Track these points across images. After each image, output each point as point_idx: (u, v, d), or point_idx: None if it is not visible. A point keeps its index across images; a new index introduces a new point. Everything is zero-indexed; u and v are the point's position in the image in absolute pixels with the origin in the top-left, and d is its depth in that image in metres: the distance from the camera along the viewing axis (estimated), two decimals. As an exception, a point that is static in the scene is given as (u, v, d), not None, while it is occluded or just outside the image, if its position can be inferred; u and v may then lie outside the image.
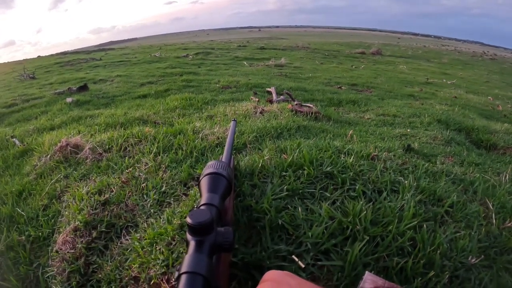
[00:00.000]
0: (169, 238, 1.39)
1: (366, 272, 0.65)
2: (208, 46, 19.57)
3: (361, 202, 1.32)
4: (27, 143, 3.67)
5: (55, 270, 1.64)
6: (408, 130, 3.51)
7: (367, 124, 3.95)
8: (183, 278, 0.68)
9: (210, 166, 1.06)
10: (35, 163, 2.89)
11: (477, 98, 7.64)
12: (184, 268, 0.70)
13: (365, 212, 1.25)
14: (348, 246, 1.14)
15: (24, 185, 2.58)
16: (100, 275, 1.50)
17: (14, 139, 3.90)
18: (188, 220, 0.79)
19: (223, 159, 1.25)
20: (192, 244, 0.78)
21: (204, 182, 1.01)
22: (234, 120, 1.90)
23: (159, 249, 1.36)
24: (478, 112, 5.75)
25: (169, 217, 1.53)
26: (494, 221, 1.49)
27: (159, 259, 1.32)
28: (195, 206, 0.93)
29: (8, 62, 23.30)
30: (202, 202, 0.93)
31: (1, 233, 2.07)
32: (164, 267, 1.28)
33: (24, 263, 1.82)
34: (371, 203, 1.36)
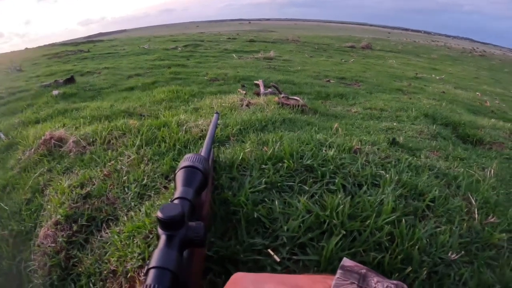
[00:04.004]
0: (147, 231, 1.36)
1: (344, 258, 0.63)
2: (198, 38, 19.40)
3: (339, 196, 1.28)
4: (12, 136, 3.63)
5: (37, 264, 1.64)
6: (395, 124, 3.50)
7: (354, 117, 3.94)
8: (151, 272, 0.68)
9: (186, 159, 1.02)
10: (19, 157, 2.86)
11: (465, 94, 7.70)
12: (152, 263, 0.69)
13: (342, 206, 1.22)
14: (324, 240, 1.11)
15: (7, 179, 2.58)
16: (80, 269, 1.49)
17: None
18: (159, 214, 0.77)
19: (202, 152, 1.22)
20: (162, 238, 0.76)
21: (179, 176, 0.98)
22: (216, 112, 1.87)
23: (136, 242, 1.34)
24: (466, 108, 5.78)
25: (148, 210, 1.51)
26: (476, 216, 1.48)
27: (135, 252, 1.30)
28: (170, 200, 0.90)
29: None
30: (176, 195, 0.90)
31: None
32: (141, 261, 1.26)
33: (7, 258, 1.84)
34: (350, 197, 1.33)
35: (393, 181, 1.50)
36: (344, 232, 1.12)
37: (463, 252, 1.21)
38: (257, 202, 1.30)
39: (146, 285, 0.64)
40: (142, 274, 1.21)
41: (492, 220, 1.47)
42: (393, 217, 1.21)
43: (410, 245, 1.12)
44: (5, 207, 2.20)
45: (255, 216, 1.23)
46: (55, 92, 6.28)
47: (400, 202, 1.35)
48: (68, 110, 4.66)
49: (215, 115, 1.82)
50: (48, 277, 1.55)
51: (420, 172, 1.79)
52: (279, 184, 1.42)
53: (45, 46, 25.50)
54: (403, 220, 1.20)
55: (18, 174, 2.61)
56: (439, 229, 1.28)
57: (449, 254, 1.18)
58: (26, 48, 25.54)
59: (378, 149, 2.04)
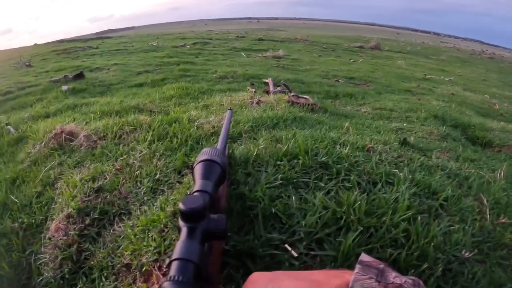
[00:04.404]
0: (162, 225, 1.38)
1: (363, 253, 0.64)
2: (206, 36, 19.38)
3: (356, 193, 1.30)
4: (21, 130, 3.64)
5: (48, 257, 1.63)
6: (405, 124, 3.51)
7: (364, 117, 3.94)
8: (174, 264, 0.68)
9: (204, 153, 1.03)
10: (29, 151, 2.87)
11: (474, 96, 7.64)
12: (175, 255, 0.69)
13: (359, 202, 1.24)
14: (341, 236, 1.13)
15: (18, 172, 2.56)
16: (92, 262, 1.49)
17: (9, 126, 3.87)
18: (181, 206, 0.77)
19: (218, 147, 1.23)
20: (184, 230, 0.76)
21: (198, 169, 0.98)
22: (230, 109, 1.88)
23: (152, 236, 1.35)
24: (475, 110, 5.76)
25: (162, 204, 1.52)
26: (488, 216, 1.49)
27: (151, 246, 1.31)
28: (188, 193, 0.91)
29: (4, 50, 23.05)
30: (195, 188, 0.91)
31: None
32: (156, 254, 1.27)
33: (17, 250, 1.81)
34: (366, 194, 1.34)
35: (407, 179, 1.52)
36: (361, 228, 1.14)
37: (476, 250, 1.23)
38: (274, 197, 1.32)
39: (170, 277, 0.65)
40: (161, 266, 1.23)
41: (503, 220, 1.49)
42: (409, 214, 1.23)
43: (426, 242, 1.14)
44: (16, 200, 2.19)
45: (272, 211, 1.25)
46: (64, 87, 6.35)
47: (415, 200, 1.37)
48: (77, 105, 4.71)
49: (228, 111, 1.83)
50: (59, 270, 1.56)
51: (433, 171, 1.81)
52: (294, 180, 1.44)
53: (54, 42, 25.57)
54: (418, 217, 1.22)
55: (28, 168, 2.61)
56: (452, 227, 1.30)
57: (463, 252, 1.20)
58: (35, 44, 25.63)
59: (389, 148, 2.06)
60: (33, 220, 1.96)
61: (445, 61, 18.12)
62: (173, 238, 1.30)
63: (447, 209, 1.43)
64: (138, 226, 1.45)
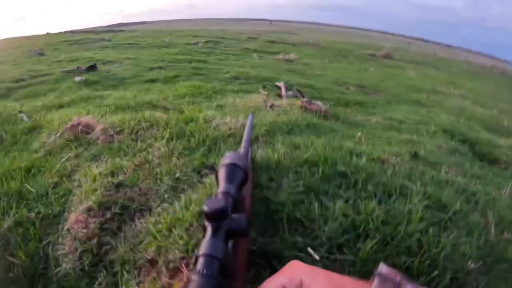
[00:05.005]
0: (187, 224, 1.45)
1: (381, 262, 0.73)
2: (219, 35, 19.36)
3: (374, 203, 1.41)
4: (35, 119, 3.70)
5: (67, 248, 1.69)
6: (414, 136, 3.57)
7: (375, 127, 4.00)
8: (201, 259, 0.76)
9: (227, 157, 1.12)
10: (44, 140, 2.91)
11: (483, 111, 7.65)
12: (201, 251, 0.78)
13: (377, 212, 1.34)
14: (360, 242, 1.24)
15: (33, 162, 2.58)
16: (113, 256, 1.57)
17: (22, 114, 3.93)
18: (205, 207, 0.86)
19: (241, 151, 1.33)
20: (208, 229, 0.85)
21: (222, 173, 1.07)
22: (252, 113, 1.97)
23: (178, 234, 1.42)
24: (483, 125, 5.77)
25: (187, 204, 1.59)
26: (492, 231, 1.58)
27: (178, 243, 1.38)
28: (214, 195, 1.02)
29: (18, 37, 23.05)
30: (219, 191, 1.00)
31: (10, 208, 2.08)
32: (184, 252, 1.35)
33: (34, 240, 1.85)
34: (381, 204, 1.45)
35: (420, 192, 1.61)
36: (379, 237, 1.25)
37: (481, 262, 1.32)
38: (297, 202, 1.42)
39: (197, 270, 0.73)
40: (188, 264, 1.30)
41: (507, 236, 1.57)
42: (421, 226, 1.33)
43: (436, 252, 1.24)
44: (31, 189, 2.21)
45: (296, 216, 1.35)
46: (77, 79, 6.45)
47: (426, 213, 1.47)
48: (91, 97, 4.81)
49: (250, 115, 1.91)
50: (79, 262, 1.61)
51: (442, 186, 1.90)
52: (315, 187, 1.54)
53: (66, 32, 25.61)
54: (430, 229, 1.33)
55: (43, 157, 2.64)
56: (460, 240, 1.39)
57: (469, 263, 1.29)
58: (48, 33, 25.66)
59: (401, 160, 2.15)
60: (50, 211, 1.99)
61: (455, 73, 18.00)
62: (200, 237, 1.36)
63: (455, 223, 1.52)
64: (162, 223, 1.53)
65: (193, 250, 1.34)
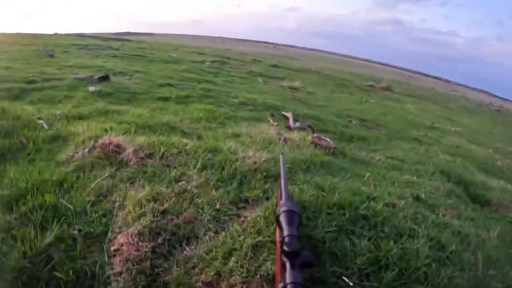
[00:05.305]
0: (243, 254, 1.72)
1: None
2: (224, 55, 19.92)
3: (392, 243, 1.84)
4: (56, 128, 3.78)
5: (119, 268, 1.80)
6: (415, 178, 3.89)
7: (378, 166, 4.32)
8: (289, 286, 1.16)
9: (284, 205, 1.51)
10: (71, 154, 3.00)
11: (479, 150, 8.04)
12: (289, 280, 1.17)
13: (395, 250, 1.78)
14: (382, 273, 1.67)
15: (64, 176, 2.59)
16: (166, 278, 1.72)
17: (42, 121, 3.96)
18: (286, 248, 1.28)
19: (283, 195, 1.71)
20: (287, 264, 1.24)
21: (284, 218, 1.46)
22: (282, 153, 2.30)
23: (237, 261, 1.69)
24: (478, 166, 6.10)
25: (235, 235, 1.89)
26: (480, 268, 1.98)
27: (239, 270, 1.64)
28: (285, 235, 1.37)
29: (27, 33, 22.96)
30: (286, 233, 1.37)
31: (46, 222, 2.10)
32: (244, 278, 1.60)
33: (78, 257, 1.88)
34: (396, 243, 1.87)
35: (425, 235, 2.04)
36: (397, 269, 1.68)
37: (471, 293, 1.76)
38: (332, 239, 1.84)
39: None
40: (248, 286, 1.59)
41: (491, 273, 1.99)
42: (427, 261, 1.77)
43: (437, 283, 1.68)
44: (69, 206, 2.24)
45: (334, 251, 1.77)
46: (91, 88, 6.53)
47: (430, 251, 1.89)
48: (109, 112, 4.94)
49: (281, 156, 2.26)
50: (132, 282, 1.72)
51: (441, 229, 2.30)
52: (344, 227, 1.95)
53: (74, 34, 25.81)
54: (433, 264, 1.77)
55: (74, 172, 2.68)
56: (454, 274, 1.80)
57: (461, 294, 1.73)
58: (56, 33, 25.70)
59: (406, 203, 2.54)
60: (92, 229, 2.06)
61: (453, 109, 18.33)
62: (257, 266, 1.66)
63: (451, 260, 1.92)
64: (217, 251, 1.78)
65: (253, 276, 1.60)
